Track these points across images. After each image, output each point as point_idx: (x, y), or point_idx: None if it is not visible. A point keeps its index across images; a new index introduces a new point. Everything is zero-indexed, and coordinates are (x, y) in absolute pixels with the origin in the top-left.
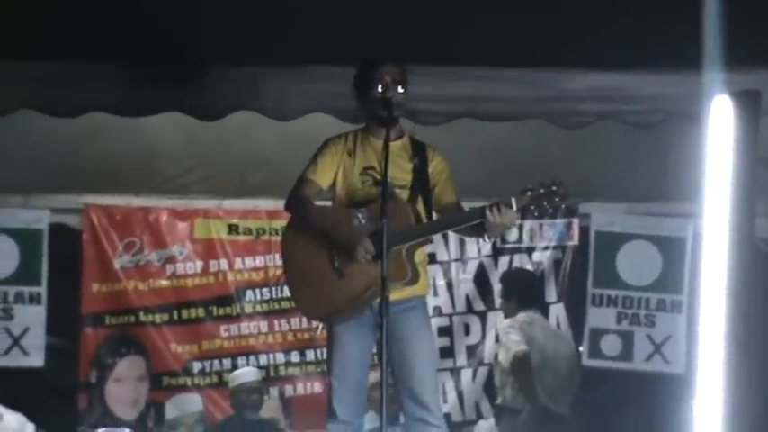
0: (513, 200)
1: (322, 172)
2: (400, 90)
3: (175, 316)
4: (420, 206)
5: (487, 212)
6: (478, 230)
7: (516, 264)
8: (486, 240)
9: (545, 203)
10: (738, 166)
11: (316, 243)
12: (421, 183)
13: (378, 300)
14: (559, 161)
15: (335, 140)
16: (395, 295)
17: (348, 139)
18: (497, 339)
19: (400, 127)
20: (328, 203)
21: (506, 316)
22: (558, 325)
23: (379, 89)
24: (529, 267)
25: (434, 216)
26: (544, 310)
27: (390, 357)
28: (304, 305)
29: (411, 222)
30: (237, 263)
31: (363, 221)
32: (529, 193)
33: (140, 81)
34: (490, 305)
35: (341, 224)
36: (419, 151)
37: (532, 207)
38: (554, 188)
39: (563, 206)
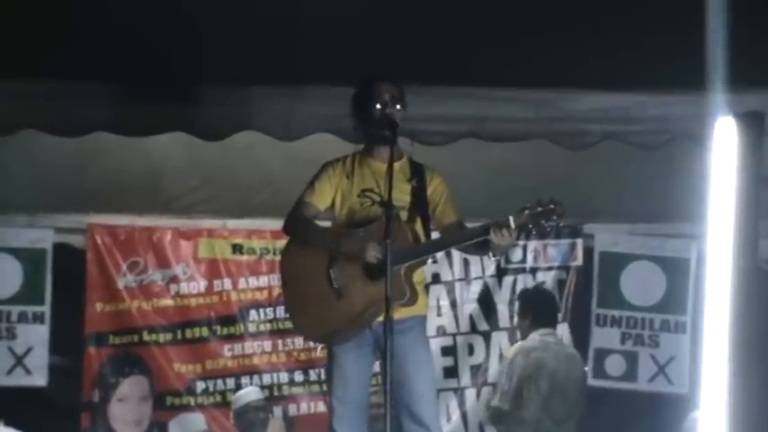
0: (511, 218)
1: (320, 195)
2: (398, 108)
3: (179, 335)
4: (418, 227)
5: (492, 233)
6: (483, 249)
7: (520, 284)
8: (491, 258)
9: (543, 222)
10: (742, 186)
11: (314, 264)
12: (419, 204)
13: (376, 320)
14: (563, 181)
15: (333, 164)
16: (393, 315)
17: (346, 162)
18: (501, 359)
19: (399, 148)
20: (327, 224)
21: (523, 335)
22: None
23: (378, 107)
24: (529, 286)
25: (433, 237)
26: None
27: (391, 378)
28: (303, 326)
29: (410, 243)
30: (241, 282)
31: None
32: (527, 212)
33: (144, 101)
34: (494, 325)
35: (343, 236)
36: (417, 173)
37: (530, 225)
38: (551, 206)
39: (561, 225)
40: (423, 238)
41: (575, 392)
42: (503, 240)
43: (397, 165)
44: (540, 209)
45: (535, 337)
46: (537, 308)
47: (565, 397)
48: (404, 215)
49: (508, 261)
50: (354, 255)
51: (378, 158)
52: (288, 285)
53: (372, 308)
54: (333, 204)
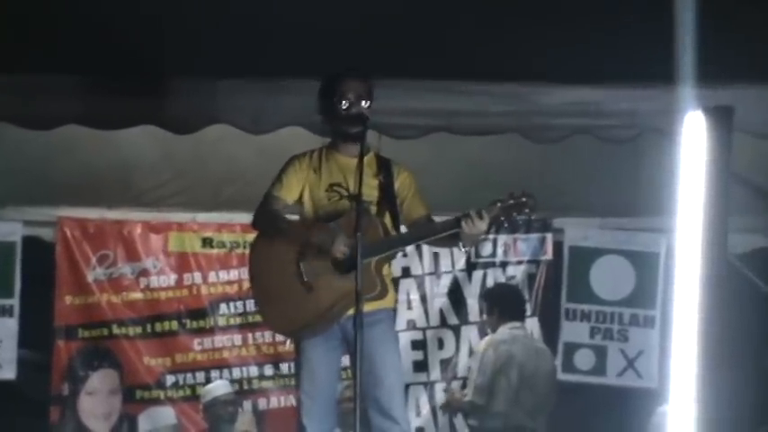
0: (484, 211)
1: (288, 189)
2: (364, 104)
3: (149, 329)
4: (387, 221)
5: (463, 223)
6: (452, 241)
7: (490, 278)
8: (462, 249)
9: (515, 214)
10: (711, 181)
11: (284, 258)
12: (387, 198)
13: (345, 314)
14: (533, 175)
15: (300, 158)
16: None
17: (313, 156)
18: (471, 353)
19: (366, 143)
20: (295, 218)
21: (492, 330)
22: None
23: (344, 104)
24: (491, 284)
25: (402, 230)
26: None
27: (360, 371)
28: (272, 320)
29: (380, 236)
30: (211, 276)
31: None
32: (499, 204)
33: (115, 94)
34: (464, 319)
35: (313, 228)
36: (384, 167)
37: (502, 218)
38: (523, 199)
39: (533, 218)
40: (392, 232)
41: (545, 386)
42: (473, 229)
43: (364, 160)
44: (512, 201)
45: (504, 330)
46: (502, 303)
47: (534, 390)
48: (372, 210)
49: (478, 255)
50: (323, 247)
51: (344, 153)
52: (257, 279)
53: (342, 302)
54: (300, 198)
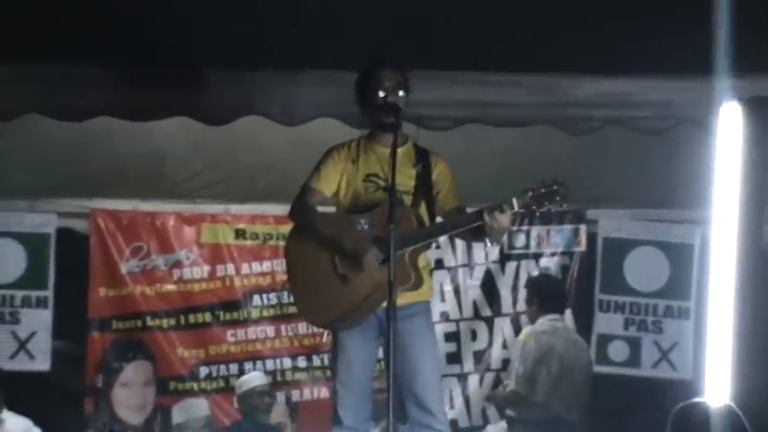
0: (515, 200)
1: (325, 181)
2: (401, 94)
3: (182, 321)
4: (423, 211)
5: (485, 215)
6: (481, 235)
7: (523, 269)
8: (489, 245)
9: (546, 203)
10: (747, 172)
11: (319, 250)
12: (424, 188)
13: (382, 305)
14: (567, 167)
15: (338, 149)
16: (399, 301)
17: (351, 146)
18: (504, 345)
19: (404, 133)
20: (332, 209)
21: (530, 320)
22: None
23: (381, 95)
24: (535, 273)
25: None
26: None
27: (394, 363)
28: (308, 312)
29: (414, 227)
30: (244, 268)
31: (366, 227)
32: (530, 193)
33: (148, 85)
34: (497, 311)
35: (345, 232)
36: (422, 157)
37: (534, 207)
38: (555, 187)
39: (564, 206)
40: (427, 223)
41: (582, 378)
42: (496, 223)
43: (402, 149)
44: (543, 190)
45: (544, 321)
46: (543, 294)
47: (572, 381)
48: (408, 200)
49: (511, 247)
50: (355, 256)
51: (382, 144)
52: (293, 270)
53: (377, 293)
54: (338, 189)
